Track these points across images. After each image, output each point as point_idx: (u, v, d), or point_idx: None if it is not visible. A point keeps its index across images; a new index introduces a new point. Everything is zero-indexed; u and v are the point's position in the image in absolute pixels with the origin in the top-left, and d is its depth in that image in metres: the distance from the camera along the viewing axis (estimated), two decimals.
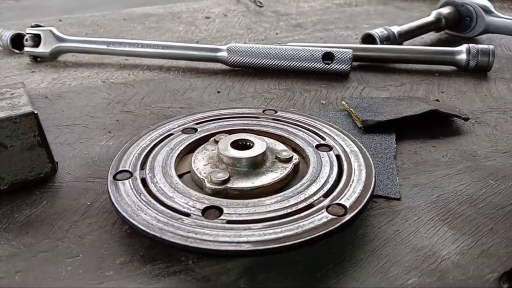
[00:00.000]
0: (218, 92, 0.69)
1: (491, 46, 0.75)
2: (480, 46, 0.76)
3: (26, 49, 0.82)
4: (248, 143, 0.44)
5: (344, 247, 0.38)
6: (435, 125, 0.58)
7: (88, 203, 0.43)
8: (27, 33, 0.82)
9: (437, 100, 0.65)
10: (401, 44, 0.86)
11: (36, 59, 0.83)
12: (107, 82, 0.73)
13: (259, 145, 0.43)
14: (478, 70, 0.76)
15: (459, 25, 0.96)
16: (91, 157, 0.51)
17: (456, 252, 0.38)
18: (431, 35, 0.97)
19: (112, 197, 0.38)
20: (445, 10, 0.94)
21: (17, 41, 0.87)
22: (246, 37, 0.97)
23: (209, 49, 0.76)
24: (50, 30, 0.81)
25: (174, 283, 0.34)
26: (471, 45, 0.76)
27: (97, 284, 0.34)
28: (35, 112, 0.43)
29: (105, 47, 0.79)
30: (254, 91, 0.69)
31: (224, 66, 0.78)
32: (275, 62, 0.74)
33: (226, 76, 0.75)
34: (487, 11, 0.92)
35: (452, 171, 0.49)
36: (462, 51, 0.76)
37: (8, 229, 0.40)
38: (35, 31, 0.82)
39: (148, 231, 0.35)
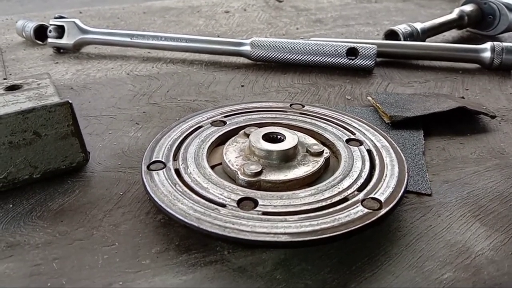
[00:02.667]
0: (242, 86, 0.69)
1: None
2: (505, 44, 0.75)
3: (49, 40, 0.82)
4: (279, 136, 0.44)
5: (377, 241, 0.38)
6: (462, 122, 0.58)
7: (121, 193, 0.44)
8: (51, 25, 0.82)
9: (463, 97, 0.65)
10: (423, 41, 0.85)
11: (59, 50, 0.84)
12: (131, 74, 0.73)
13: (291, 139, 0.43)
14: (502, 68, 0.76)
15: (482, 23, 0.95)
16: (120, 148, 0.51)
17: (490, 248, 0.37)
18: (453, 33, 0.96)
19: (148, 187, 0.39)
20: (468, 8, 0.94)
21: (40, 33, 0.88)
22: (267, 32, 0.97)
23: (232, 43, 0.77)
24: (74, 22, 0.81)
25: (211, 272, 0.34)
26: (495, 43, 0.75)
27: (135, 273, 0.35)
28: (70, 101, 0.43)
29: (128, 39, 0.80)
30: (278, 85, 0.69)
31: (246, 60, 0.78)
32: (299, 57, 0.73)
33: (249, 70, 0.75)
34: (511, 9, 0.91)
35: (482, 168, 0.49)
36: (486, 49, 0.76)
37: (43, 217, 0.41)
38: (59, 22, 0.82)
39: (186, 220, 0.35)
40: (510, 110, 0.62)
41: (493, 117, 0.57)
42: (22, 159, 0.43)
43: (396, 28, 0.84)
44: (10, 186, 0.43)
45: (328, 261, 0.36)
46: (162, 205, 0.37)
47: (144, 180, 0.40)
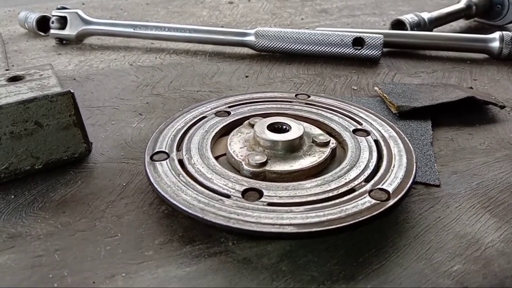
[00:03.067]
0: (247, 76, 0.68)
1: None
2: None
3: (52, 31, 0.82)
4: (284, 127, 0.43)
5: (385, 232, 0.37)
6: (470, 113, 0.56)
7: (124, 184, 0.43)
8: (53, 16, 0.82)
9: (471, 88, 0.64)
10: (431, 30, 0.84)
11: (62, 41, 0.83)
12: (134, 65, 0.72)
13: (296, 129, 0.42)
14: (511, 59, 0.74)
15: (490, 13, 0.93)
16: (123, 139, 0.51)
17: (500, 240, 0.37)
18: (460, 23, 0.94)
19: (151, 178, 0.38)
20: None
21: (42, 24, 0.87)
22: (271, 23, 0.96)
23: (236, 33, 0.76)
24: (77, 13, 0.81)
25: (215, 264, 0.34)
26: (504, 32, 0.74)
27: (137, 264, 0.34)
28: (72, 91, 0.43)
29: (131, 30, 0.79)
30: (282, 76, 0.68)
31: (250, 51, 0.77)
32: (304, 47, 0.72)
33: (254, 60, 0.74)
34: None
35: (491, 159, 0.48)
36: (495, 39, 0.74)
37: (45, 208, 0.40)
38: (61, 13, 0.81)
39: (190, 211, 0.34)
40: None
41: (502, 107, 0.56)
42: (24, 149, 0.42)
43: (403, 17, 0.82)
44: (11, 177, 0.42)
45: (335, 252, 0.35)
46: (166, 195, 0.36)
47: (148, 170, 0.39)
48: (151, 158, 0.41)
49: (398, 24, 0.83)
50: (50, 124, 0.43)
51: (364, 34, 0.72)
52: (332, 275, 0.33)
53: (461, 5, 0.91)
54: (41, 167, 0.44)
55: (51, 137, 0.43)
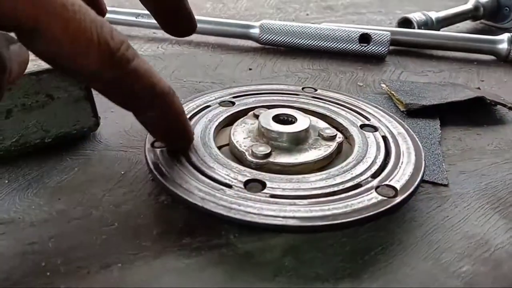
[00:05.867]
0: (250, 69, 0.67)
1: None
2: None
3: None
4: (290, 119, 0.42)
5: (392, 230, 0.36)
6: (478, 113, 0.55)
7: (122, 172, 0.42)
8: None
9: (478, 88, 0.63)
10: (438, 30, 0.83)
11: None
12: None
13: (302, 121, 0.41)
14: None
15: (497, 15, 0.92)
16: (122, 127, 0.49)
17: (510, 242, 0.35)
18: (467, 24, 0.93)
19: (151, 165, 0.37)
20: None
21: None
22: (276, 17, 0.94)
23: (241, 25, 0.74)
24: None
25: (216, 257, 0.32)
26: None
27: (134, 255, 0.33)
28: None
29: (133, 18, 0.77)
30: (287, 70, 0.67)
31: (254, 44, 0.76)
32: (309, 42, 0.71)
33: (257, 53, 0.73)
34: None
35: (500, 160, 0.46)
36: (503, 40, 0.73)
37: (39, 194, 0.39)
38: None
39: (190, 199, 0.33)
40: None
41: (511, 108, 0.55)
42: (35, 122, 0.41)
43: (410, 16, 0.81)
44: (21, 150, 0.42)
45: (340, 249, 0.34)
46: (165, 183, 0.35)
47: (147, 157, 0.38)
48: (152, 145, 0.39)
49: (405, 23, 0.82)
50: (61, 97, 0.41)
51: (371, 31, 0.70)
52: (337, 272, 0.32)
53: (469, 6, 0.90)
54: (51, 140, 0.43)
55: (61, 110, 0.42)
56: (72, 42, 0.25)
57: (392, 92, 0.56)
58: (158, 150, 0.39)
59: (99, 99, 0.52)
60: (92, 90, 0.43)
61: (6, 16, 0.23)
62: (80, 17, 0.25)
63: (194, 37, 0.78)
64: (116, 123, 0.50)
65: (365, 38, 0.70)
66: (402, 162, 0.39)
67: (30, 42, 0.26)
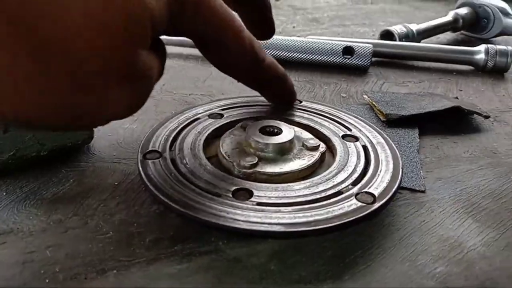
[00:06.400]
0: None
1: (510, 47, 0.76)
2: (498, 47, 0.76)
3: None
4: (276, 130, 0.44)
5: (371, 235, 0.38)
6: (455, 122, 0.58)
7: (116, 183, 0.44)
8: None
9: (456, 98, 0.66)
10: (418, 42, 0.86)
11: None
12: None
13: (287, 132, 0.44)
14: (495, 71, 0.77)
15: (476, 26, 0.96)
16: (115, 139, 0.51)
17: (482, 244, 0.38)
18: (447, 35, 0.97)
19: (143, 175, 0.39)
20: (463, 11, 0.95)
21: None
22: None
23: None
24: None
25: (206, 262, 0.34)
26: (489, 45, 0.76)
27: (129, 261, 0.34)
28: None
29: None
30: None
31: None
32: (295, 55, 0.74)
33: None
34: (505, 13, 0.92)
35: (474, 167, 0.49)
36: (480, 51, 0.76)
37: (37, 205, 0.40)
38: None
39: (181, 208, 0.35)
40: (503, 111, 0.63)
41: (486, 117, 0.58)
42: (31, 136, 0.43)
43: (392, 28, 0.84)
44: (18, 163, 0.43)
45: (322, 253, 0.36)
46: (157, 193, 0.37)
47: (140, 168, 0.40)
48: (144, 156, 0.41)
49: (387, 35, 0.85)
50: None
51: (354, 44, 0.73)
52: (319, 275, 0.34)
53: (448, 18, 0.94)
54: (47, 153, 0.44)
55: None
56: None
57: (374, 102, 0.58)
58: (150, 162, 0.41)
59: None
60: None
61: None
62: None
63: (183, 50, 0.80)
64: (109, 135, 0.52)
65: (348, 50, 0.73)
66: (380, 170, 0.41)
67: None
